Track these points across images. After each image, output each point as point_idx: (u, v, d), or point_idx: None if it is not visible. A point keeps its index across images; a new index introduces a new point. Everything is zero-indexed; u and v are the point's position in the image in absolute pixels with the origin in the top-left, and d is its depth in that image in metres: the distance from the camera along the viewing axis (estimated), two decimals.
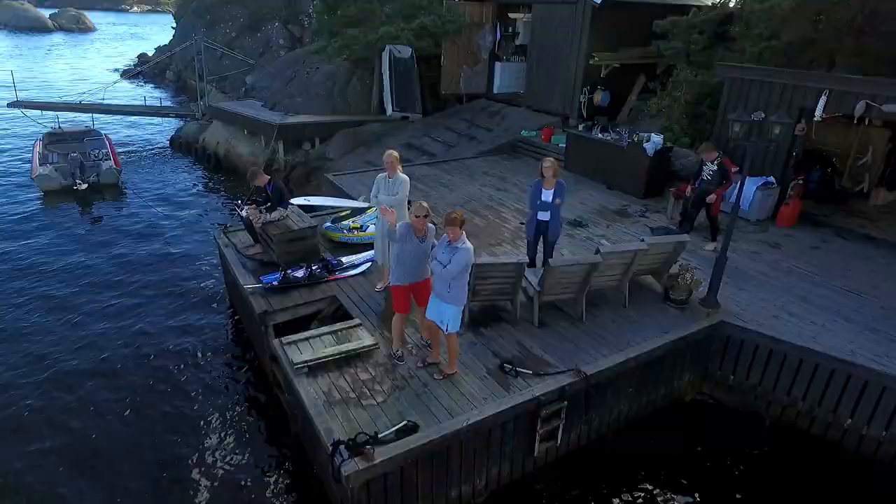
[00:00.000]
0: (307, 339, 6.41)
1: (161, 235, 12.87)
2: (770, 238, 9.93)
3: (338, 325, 6.66)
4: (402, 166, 7.17)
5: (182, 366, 8.31)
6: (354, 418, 5.40)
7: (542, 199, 7.42)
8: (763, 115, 10.89)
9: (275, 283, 7.65)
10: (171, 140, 20.93)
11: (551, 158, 7.50)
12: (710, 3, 14.57)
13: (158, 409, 7.48)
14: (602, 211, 11.05)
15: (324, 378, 5.93)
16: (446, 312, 5.58)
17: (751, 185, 10.55)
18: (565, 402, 5.87)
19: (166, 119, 23.12)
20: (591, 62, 14.98)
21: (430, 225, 5.68)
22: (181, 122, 22.06)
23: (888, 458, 6.47)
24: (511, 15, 17.84)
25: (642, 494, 6.20)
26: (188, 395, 7.73)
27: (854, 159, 12.14)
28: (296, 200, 9.64)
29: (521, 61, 18.40)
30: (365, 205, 10.33)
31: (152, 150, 20.47)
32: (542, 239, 7.77)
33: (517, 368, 6.06)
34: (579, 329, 6.94)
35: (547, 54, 15.95)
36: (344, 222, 9.26)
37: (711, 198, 9.13)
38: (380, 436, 5.10)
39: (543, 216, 7.54)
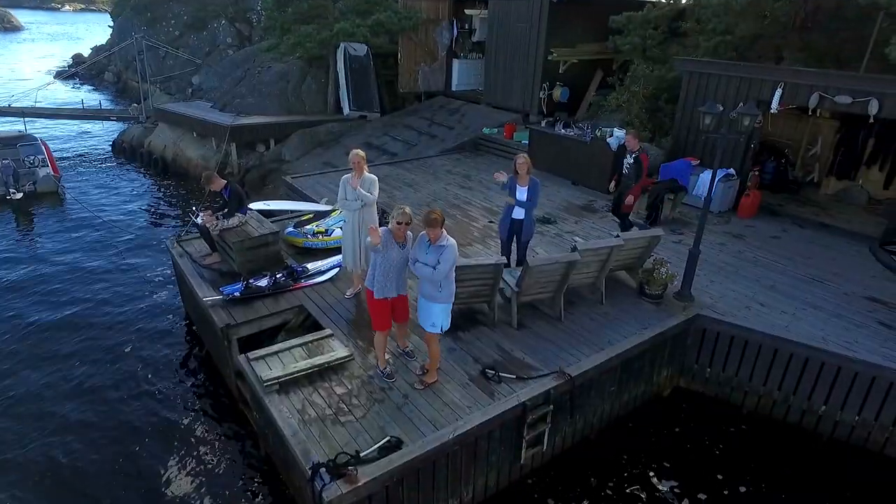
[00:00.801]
0: (276, 353, 6.01)
1: (108, 246, 12.04)
2: (733, 229, 10.09)
3: (308, 337, 6.28)
4: (363, 157, 6.80)
5: (137, 385, 7.71)
6: (333, 437, 5.06)
7: (517, 196, 7.23)
8: (721, 108, 11.12)
9: (236, 293, 7.18)
10: (114, 144, 19.79)
11: (525, 155, 7.26)
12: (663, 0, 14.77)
13: (112, 432, 6.89)
14: (569, 207, 11.00)
15: (297, 395, 5.56)
16: (437, 312, 5.30)
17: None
18: (551, 406, 5.70)
19: (108, 122, 21.86)
20: (549, 58, 14.97)
21: (409, 232, 5.38)
22: (124, 126, 20.88)
23: (861, 443, 6.60)
24: (467, 11, 17.68)
25: (628, 493, 6.10)
26: (145, 416, 7.16)
27: (805, 150, 12.55)
28: (255, 205, 9.14)
29: (479, 58, 18.29)
30: (328, 207, 9.92)
31: (94, 155, 19.28)
32: (515, 238, 7.57)
33: (500, 374, 5.84)
34: (558, 329, 6.79)
35: (505, 51, 15.86)
36: (307, 227, 8.83)
37: (629, 199, 8.62)
38: (362, 455, 4.78)
39: (518, 214, 7.35)
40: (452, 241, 5.12)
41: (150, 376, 7.88)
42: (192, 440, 6.81)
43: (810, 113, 10.77)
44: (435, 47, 17.64)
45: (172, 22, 25.45)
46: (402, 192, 11.50)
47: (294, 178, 12.19)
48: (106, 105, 24.87)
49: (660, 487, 6.19)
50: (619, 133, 11.50)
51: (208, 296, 7.23)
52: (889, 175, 11.37)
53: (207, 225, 7.99)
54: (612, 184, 9.13)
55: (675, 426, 7.08)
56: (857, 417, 6.54)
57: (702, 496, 6.08)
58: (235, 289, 7.27)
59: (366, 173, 6.81)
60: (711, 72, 10.89)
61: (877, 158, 11.43)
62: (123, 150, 19.07)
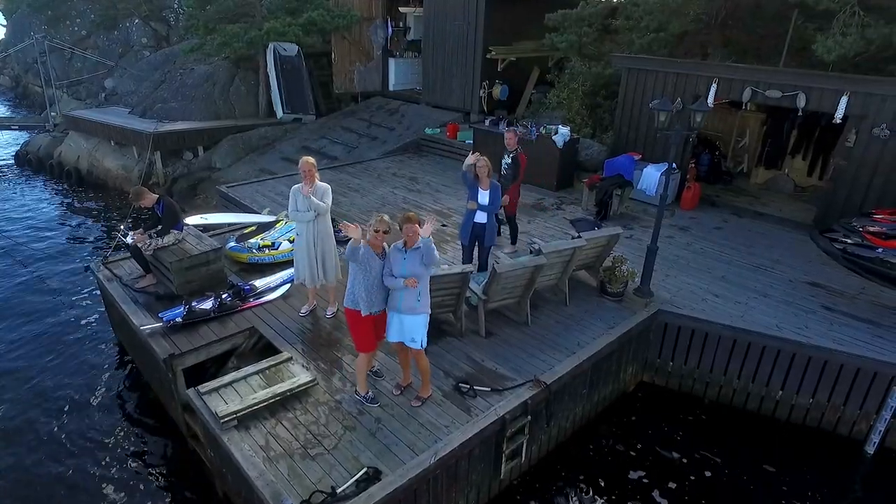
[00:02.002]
0: (230, 383, 5.49)
1: (19, 269, 10.81)
2: (679, 222, 10.35)
3: (264, 363, 5.79)
4: (314, 164, 6.37)
5: (66, 427, 6.88)
6: (304, 473, 4.64)
7: (479, 200, 7.01)
8: (673, 105, 11.41)
9: (178, 319, 6.55)
10: (17, 156, 17.94)
11: (484, 158, 7.03)
12: None
13: (42, 475, 6.10)
14: (520, 206, 10.88)
15: (258, 429, 5.08)
16: (418, 326, 4.97)
17: (655, 172, 10.97)
18: (529, 417, 5.53)
19: (9, 132, 19.83)
20: (488, 56, 14.89)
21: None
22: (28, 136, 19.01)
23: (815, 424, 6.87)
24: (402, 9, 17.33)
25: (604, 491, 6.04)
26: (82, 458, 6.39)
27: (735, 142, 13.14)
28: (190, 220, 8.43)
29: (416, 57, 17.98)
30: (271, 218, 9.34)
31: None
32: (477, 243, 7.35)
33: (475, 387, 5.61)
34: (526, 334, 6.64)
35: (443, 49, 15.64)
36: (251, 240, 8.23)
37: (505, 199, 7.95)
38: (338, 491, 4.41)
39: (480, 218, 7.12)
40: (428, 237, 4.80)
41: (84, 418, 7.07)
42: (138, 485, 6.13)
43: (743, 107, 11.24)
44: (370, 46, 17.16)
45: (78, 20, 23.43)
46: (349, 198, 11.04)
47: (230, 188, 11.43)
48: (4, 113, 22.61)
49: (632, 479, 6.18)
50: (563, 131, 11.55)
51: (146, 323, 6.55)
52: (811, 163, 12.09)
53: (139, 245, 7.27)
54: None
55: (641, 421, 7.12)
56: (811, 400, 6.80)
57: (672, 485, 6.12)
58: (177, 314, 6.63)
59: (317, 182, 6.38)
60: (649, 68, 11.13)
61: (800, 148, 12.12)
62: (29, 162, 17.32)
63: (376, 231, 4.83)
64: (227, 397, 5.31)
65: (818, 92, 9.15)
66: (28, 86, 26.26)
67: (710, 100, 10.35)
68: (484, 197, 6.95)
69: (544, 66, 16.21)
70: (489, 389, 5.62)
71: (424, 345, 5.08)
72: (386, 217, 4.90)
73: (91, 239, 12.50)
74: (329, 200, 6.37)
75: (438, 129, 14.72)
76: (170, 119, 15.97)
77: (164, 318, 6.58)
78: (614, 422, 7.05)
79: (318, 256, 6.46)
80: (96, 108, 20.63)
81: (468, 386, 5.61)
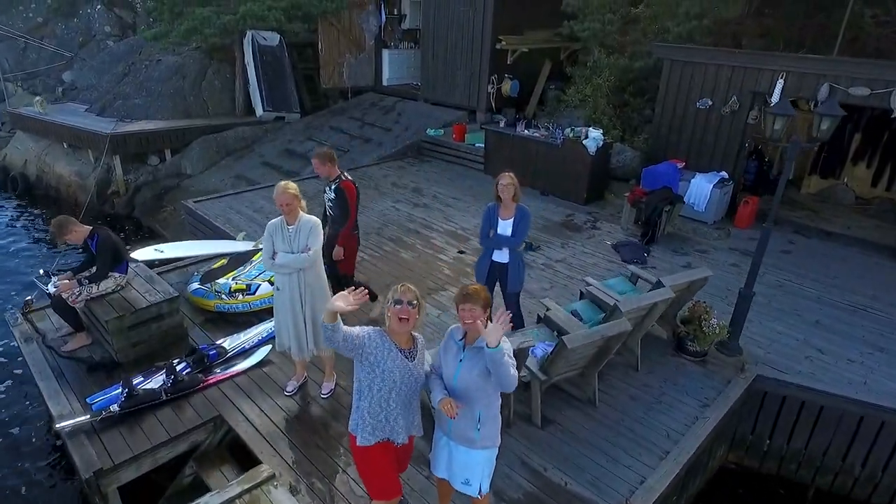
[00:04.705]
0: None
1: None
2: (738, 244, 8.69)
3: (234, 488, 3.94)
4: (296, 194, 4.48)
5: None
6: None
7: (499, 230, 5.18)
8: (710, 103, 9.75)
9: (114, 406, 4.68)
10: None
11: (510, 174, 5.07)
12: None
13: None
14: (548, 225, 9.16)
15: None
16: (475, 464, 3.19)
17: (706, 183, 9.28)
18: None
19: None
20: (497, 47, 13.08)
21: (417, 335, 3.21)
22: None
23: None
24: None
25: None
26: None
27: (783, 147, 11.51)
28: (140, 254, 6.50)
29: (412, 48, 16.12)
30: (247, 245, 7.45)
31: None
32: (498, 285, 5.49)
33: None
34: (595, 420, 4.89)
35: (445, 40, 13.79)
36: (220, 281, 6.33)
37: (337, 252, 5.64)
38: None
39: (499, 257, 5.28)
40: (493, 344, 2.88)
41: None
42: None
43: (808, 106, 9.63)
44: (361, 36, 15.23)
45: (33, 6, 21.06)
46: None
47: (198, 203, 9.47)
48: None
49: None
50: (594, 133, 9.80)
51: (66, 414, 4.66)
52: (877, 172, 10.51)
53: (64, 295, 5.36)
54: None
55: None
56: None
57: None
58: (111, 398, 4.76)
59: (303, 215, 4.53)
60: (698, 60, 9.42)
61: (864, 155, 10.53)
62: None
63: (401, 303, 2.99)
64: None
65: None
66: None
67: (776, 98, 8.68)
68: (505, 227, 5.12)
69: (556, 59, 14.45)
70: None
71: (486, 491, 3.30)
72: (411, 286, 3.06)
73: (31, 260, 10.38)
74: (319, 244, 4.53)
75: (442, 131, 12.89)
76: (132, 118, 13.90)
77: (94, 406, 4.71)
78: None
79: (308, 318, 4.62)
80: (51, 103, 18.44)
81: None
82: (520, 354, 4.20)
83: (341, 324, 2.94)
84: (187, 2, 12.43)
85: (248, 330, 5.88)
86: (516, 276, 5.30)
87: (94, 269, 5.48)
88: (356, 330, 3.02)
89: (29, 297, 6.49)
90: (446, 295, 6.82)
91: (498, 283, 5.37)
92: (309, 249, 4.44)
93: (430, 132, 12.85)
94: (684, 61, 9.58)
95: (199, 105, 14.57)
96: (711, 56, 9.28)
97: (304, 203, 4.58)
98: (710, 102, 9.51)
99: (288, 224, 4.49)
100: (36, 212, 12.98)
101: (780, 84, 8.61)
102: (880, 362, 5.87)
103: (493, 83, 13.49)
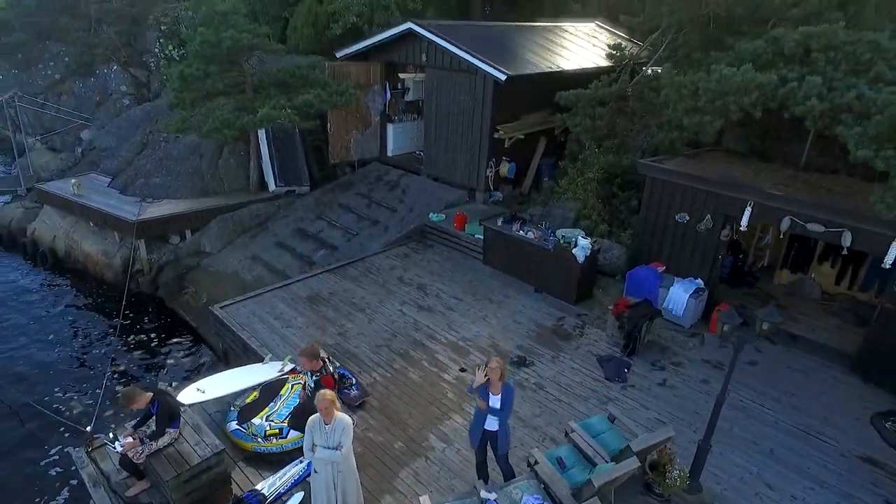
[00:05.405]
0: None
1: None
2: (710, 355, 9.70)
3: None
4: (333, 399, 5.52)
5: None
6: None
7: (490, 404, 6.24)
8: (688, 218, 10.76)
9: None
10: None
11: (497, 359, 6.18)
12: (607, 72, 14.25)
13: None
14: (540, 331, 10.18)
15: None
16: None
17: (682, 293, 10.31)
18: None
19: None
20: (495, 136, 14.11)
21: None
22: None
23: None
24: (401, 75, 16.46)
25: None
26: None
27: (758, 238, 12.54)
28: (185, 396, 7.51)
29: (414, 119, 17.13)
30: (274, 367, 8.45)
31: None
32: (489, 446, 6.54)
33: None
34: None
35: (447, 123, 14.81)
36: (255, 422, 7.33)
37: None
38: None
39: (490, 425, 6.31)
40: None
41: None
42: None
43: None
44: (367, 113, 16.24)
45: (51, 64, 22.04)
46: (353, 322, 10.16)
47: (224, 308, 10.45)
48: None
49: None
50: (583, 243, 10.82)
51: None
52: (840, 272, 11.54)
53: (129, 454, 6.37)
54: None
55: None
56: None
57: None
58: None
59: (338, 414, 5.56)
60: (677, 182, 10.44)
61: (828, 256, 11.56)
62: (0, 238, 16.09)
63: None
64: None
65: (867, 234, 8.52)
66: None
67: (745, 223, 9.71)
68: (496, 401, 6.18)
69: (551, 133, 15.53)
70: None
71: None
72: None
73: (77, 353, 11.36)
74: (350, 440, 5.55)
75: (444, 216, 13.88)
76: (154, 196, 14.90)
77: None
78: None
79: (339, 499, 5.65)
80: (72, 164, 19.43)
81: None
82: None
83: None
84: (206, 96, 13.39)
85: (282, 472, 6.88)
86: (504, 440, 6.38)
87: (153, 427, 6.49)
88: None
89: (88, 428, 7.50)
90: (450, 426, 7.83)
91: (489, 446, 6.43)
92: (341, 447, 5.46)
93: (433, 217, 13.84)
94: (664, 180, 10.59)
95: (216, 182, 15.56)
96: (688, 179, 10.28)
97: (339, 404, 5.60)
98: (687, 217, 10.52)
99: (325, 423, 5.50)
100: (68, 286, 13.98)
101: (748, 211, 9.61)
102: (819, 500, 6.89)
103: (491, 166, 14.51)
